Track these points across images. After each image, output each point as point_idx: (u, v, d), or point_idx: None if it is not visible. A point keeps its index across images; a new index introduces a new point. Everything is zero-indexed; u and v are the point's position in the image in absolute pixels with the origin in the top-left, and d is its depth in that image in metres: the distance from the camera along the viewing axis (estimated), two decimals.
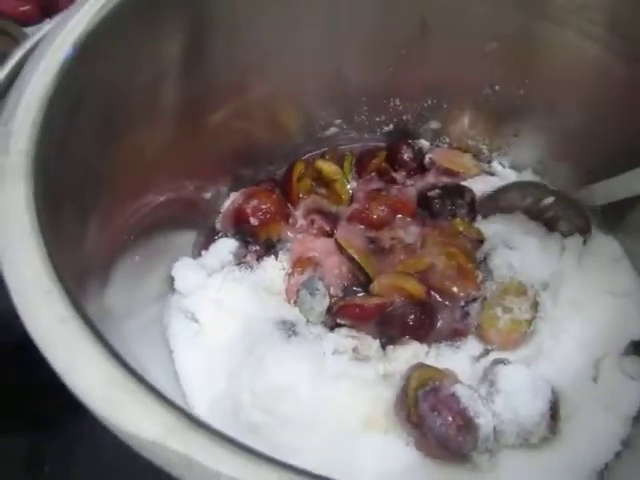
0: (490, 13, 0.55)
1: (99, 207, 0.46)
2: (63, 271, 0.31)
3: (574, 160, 0.65)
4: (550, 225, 0.64)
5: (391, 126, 0.72)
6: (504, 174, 0.71)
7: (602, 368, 0.51)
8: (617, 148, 0.58)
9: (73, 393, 0.24)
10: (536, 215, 0.65)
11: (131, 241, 0.52)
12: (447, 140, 0.73)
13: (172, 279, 0.59)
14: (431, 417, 0.46)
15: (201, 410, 0.51)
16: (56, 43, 0.38)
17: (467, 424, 0.46)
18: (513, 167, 0.72)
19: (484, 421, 0.46)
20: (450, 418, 0.46)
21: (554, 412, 0.48)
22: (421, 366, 0.52)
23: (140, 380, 0.25)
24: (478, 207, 0.68)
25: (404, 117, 0.71)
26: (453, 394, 0.47)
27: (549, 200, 0.64)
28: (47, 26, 0.47)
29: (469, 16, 0.56)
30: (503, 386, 0.48)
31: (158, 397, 0.25)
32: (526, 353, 0.53)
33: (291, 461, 0.24)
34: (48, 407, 0.70)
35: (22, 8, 0.76)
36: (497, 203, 0.67)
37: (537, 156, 0.69)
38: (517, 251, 0.61)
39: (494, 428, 0.47)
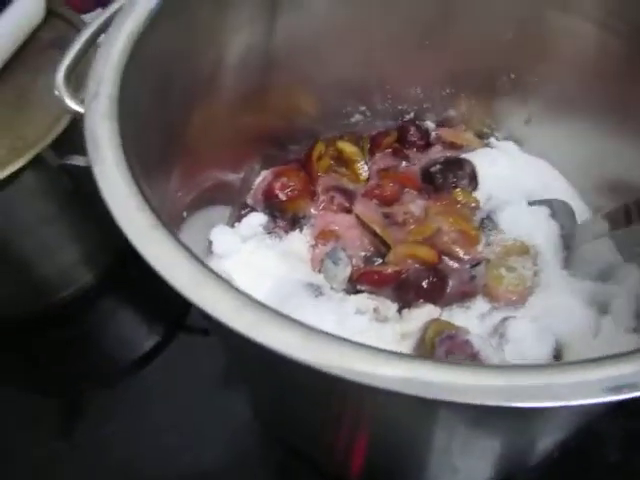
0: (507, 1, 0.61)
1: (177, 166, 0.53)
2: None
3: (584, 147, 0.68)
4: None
5: (412, 114, 0.77)
6: (504, 147, 0.75)
7: (603, 325, 0.56)
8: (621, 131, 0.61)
9: (169, 283, 0.30)
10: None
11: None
12: (453, 122, 0.78)
13: (211, 243, 0.65)
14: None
15: None
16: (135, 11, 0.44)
17: None
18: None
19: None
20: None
21: (558, 358, 0.53)
22: (437, 320, 0.57)
23: (214, 274, 0.32)
24: None
25: (424, 105, 0.76)
26: (467, 341, 0.52)
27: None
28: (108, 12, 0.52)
29: (489, 4, 0.62)
30: (512, 336, 0.54)
31: (227, 286, 0.31)
32: (530, 309, 0.58)
33: None
34: (84, 376, 0.76)
35: None
36: None
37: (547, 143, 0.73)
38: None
39: None
